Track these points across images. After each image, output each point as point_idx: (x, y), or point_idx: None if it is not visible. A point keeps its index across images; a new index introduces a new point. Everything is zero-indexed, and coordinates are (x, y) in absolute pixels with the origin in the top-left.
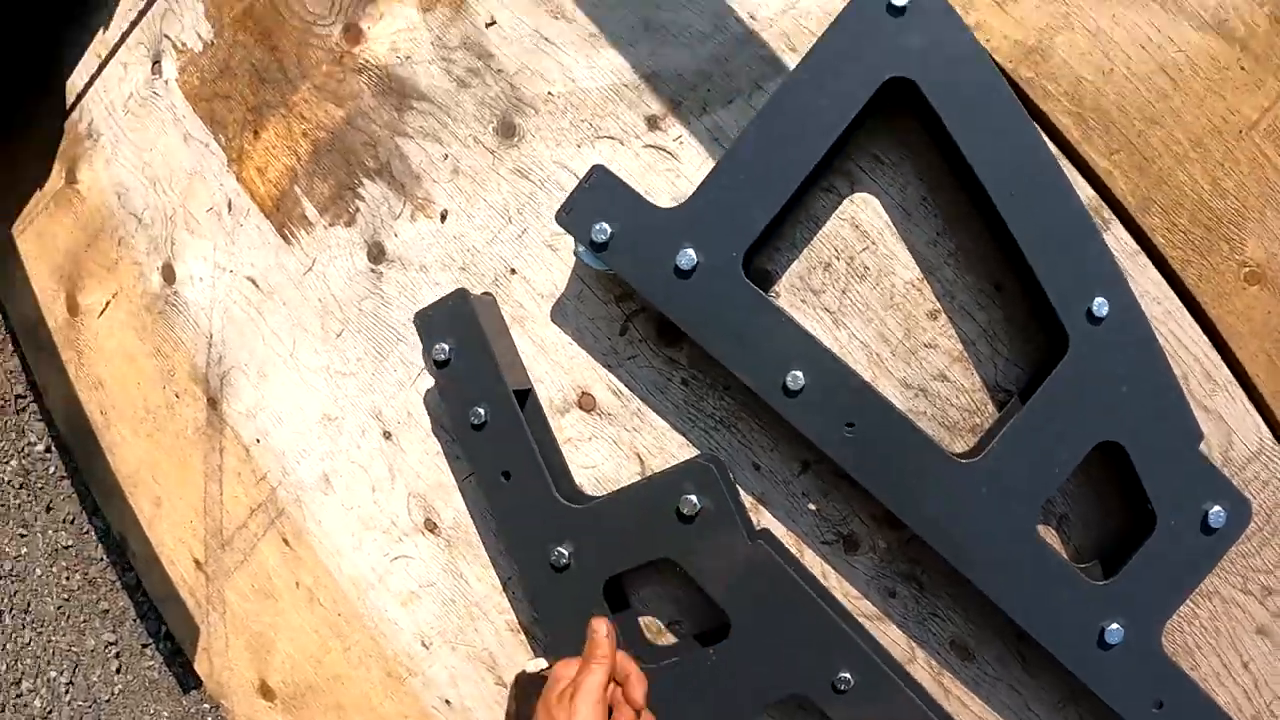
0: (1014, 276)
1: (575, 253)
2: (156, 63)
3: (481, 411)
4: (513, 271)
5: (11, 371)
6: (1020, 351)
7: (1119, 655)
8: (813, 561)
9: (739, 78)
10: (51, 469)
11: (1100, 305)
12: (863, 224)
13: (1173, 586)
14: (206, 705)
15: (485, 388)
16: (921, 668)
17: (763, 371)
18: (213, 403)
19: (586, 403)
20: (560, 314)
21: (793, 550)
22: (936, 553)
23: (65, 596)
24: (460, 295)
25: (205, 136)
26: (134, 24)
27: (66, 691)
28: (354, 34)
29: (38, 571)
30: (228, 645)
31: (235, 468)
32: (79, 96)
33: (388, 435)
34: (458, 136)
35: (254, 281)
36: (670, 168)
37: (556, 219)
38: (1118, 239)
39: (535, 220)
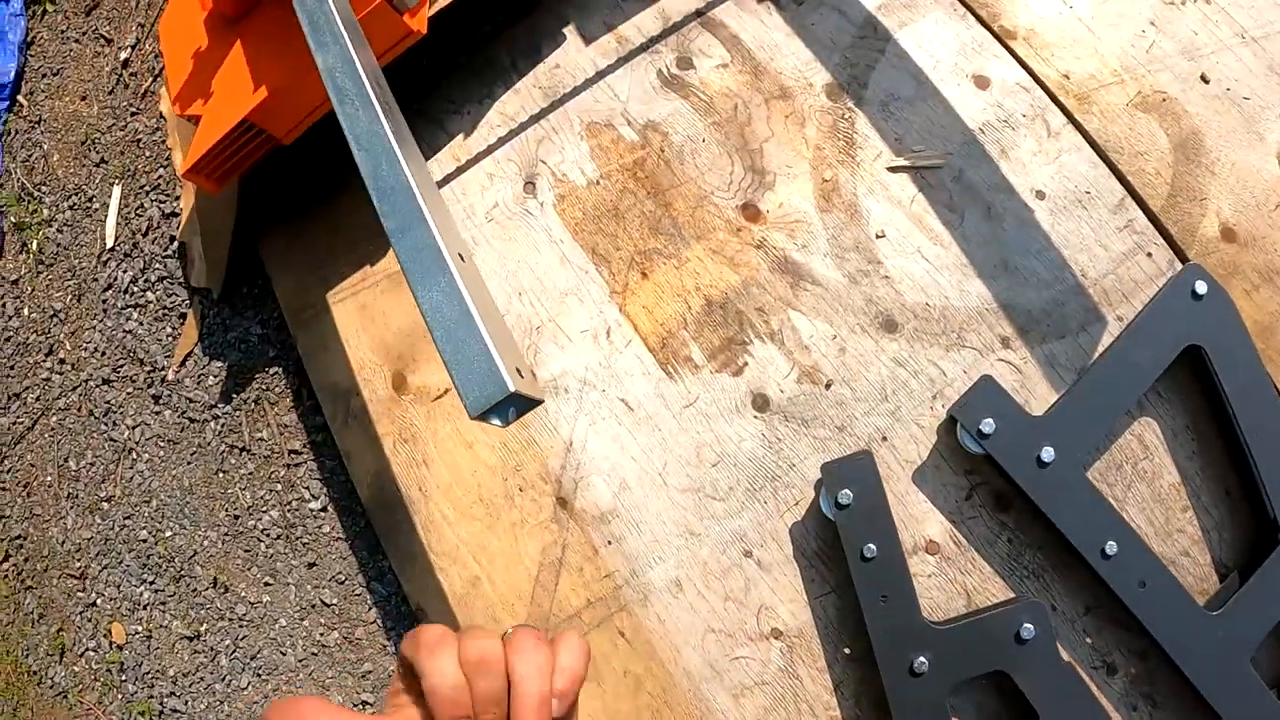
0: (1241, 487)
1: (959, 438)
2: (530, 183)
3: (873, 547)
4: (884, 439)
5: (288, 426)
6: (1237, 539)
7: None
8: (1084, 678)
9: (1070, 320)
10: (325, 528)
11: None
12: (1145, 440)
13: None
14: None
15: (879, 529)
16: None
17: (1090, 540)
18: (562, 501)
19: (931, 548)
20: (919, 477)
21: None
22: (1168, 679)
23: (314, 650)
24: (866, 455)
25: (585, 264)
26: (504, 140)
27: None
28: (752, 212)
29: (281, 622)
30: None
31: (578, 564)
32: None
33: (748, 554)
34: (846, 323)
35: (627, 403)
36: (1016, 379)
37: (951, 410)
38: None
39: (908, 401)
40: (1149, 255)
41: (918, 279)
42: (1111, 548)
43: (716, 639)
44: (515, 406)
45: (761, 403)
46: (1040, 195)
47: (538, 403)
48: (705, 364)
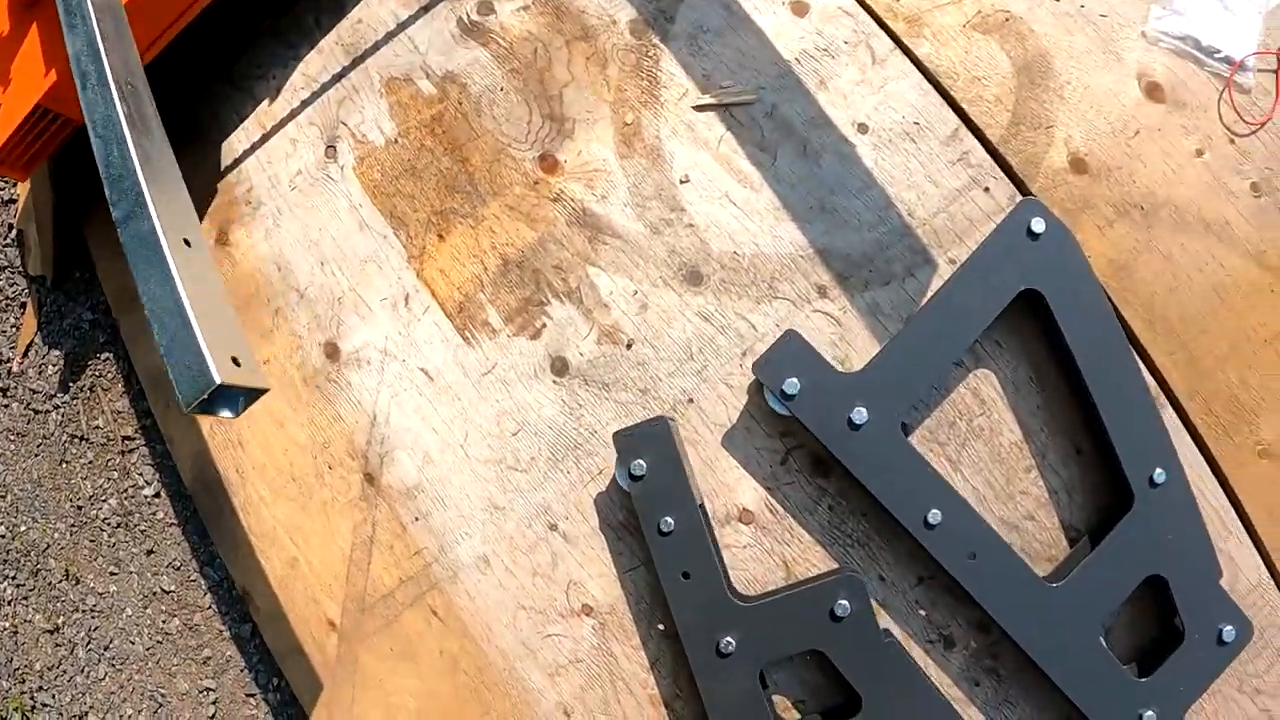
0: (1092, 444)
1: (765, 399)
2: (331, 147)
3: (670, 520)
4: (690, 401)
5: (121, 413)
6: (1089, 501)
7: None
8: (918, 654)
9: (896, 264)
10: (159, 514)
11: (1160, 474)
12: (982, 394)
13: (1194, 684)
14: None
15: (676, 501)
16: None
17: (910, 508)
18: (369, 478)
19: (745, 517)
20: (730, 441)
21: (904, 645)
22: (1014, 652)
23: (159, 639)
24: (662, 422)
25: (384, 229)
26: (305, 104)
27: None
28: (550, 163)
29: (128, 611)
30: (353, 702)
31: (388, 541)
32: (237, 160)
33: (553, 527)
34: (648, 276)
35: (427, 373)
36: (834, 332)
37: (753, 369)
38: (1168, 420)
39: (715, 360)
40: (986, 190)
41: (725, 226)
42: (935, 516)
43: (528, 616)
44: (243, 396)
45: (560, 366)
46: (863, 129)
47: (261, 391)
48: (503, 328)
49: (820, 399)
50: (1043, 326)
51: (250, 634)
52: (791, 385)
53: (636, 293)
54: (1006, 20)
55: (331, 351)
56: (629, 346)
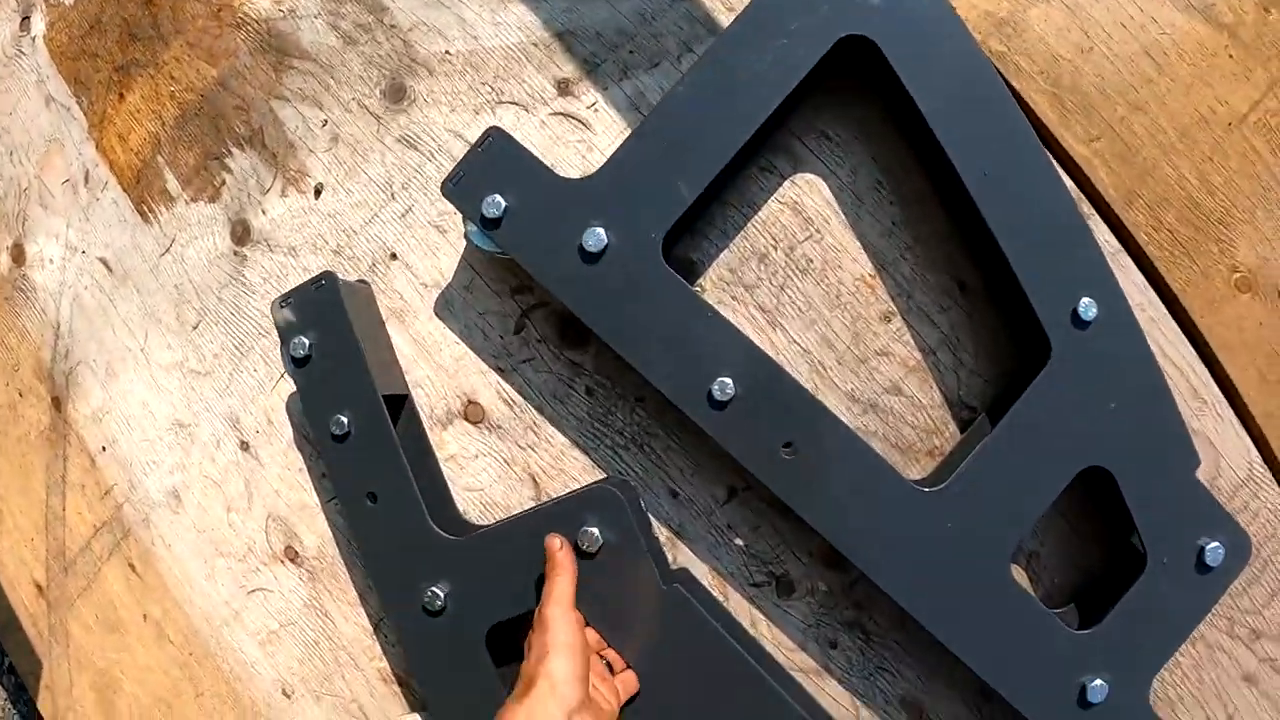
0: (982, 274)
1: (465, 233)
2: (26, 19)
3: (344, 420)
4: (393, 256)
5: None
6: (988, 362)
7: (1102, 716)
8: (739, 606)
9: (667, 38)
10: None
11: (1087, 307)
12: (806, 209)
13: (1164, 634)
14: None
15: (351, 392)
16: None
17: (684, 378)
18: (57, 403)
19: (473, 413)
20: (446, 307)
21: (717, 594)
22: (887, 597)
23: None
24: (328, 280)
25: (68, 100)
26: None
27: None
28: None
29: None
30: (72, 684)
31: (79, 479)
32: None
33: (245, 446)
34: (340, 100)
35: (106, 264)
36: (582, 139)
37: (442, 190)
38: (1098, 236)
39: (422, 197)
40: None
41: (434, 21)
42: (724, 388)
43: (228, 565)
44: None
45: (242, 231)
46: None
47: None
48: (180, 194)
49: (537, 220)
50: (888, 101)
51: None
52: (494, 205)
53: (327, 123)
54: None
55: (18, 254)
56: (318, 194)
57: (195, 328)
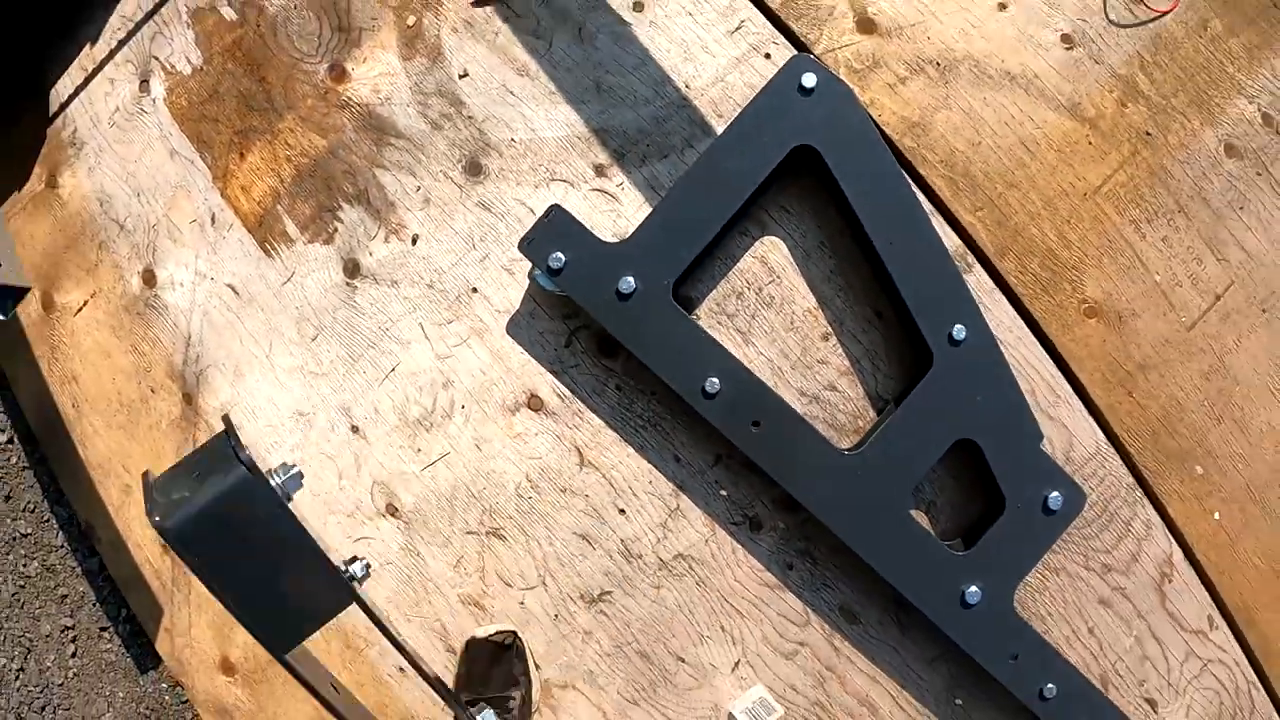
0: (891, 307)
1: (531, 276)
2: (144, 82)
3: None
4: (474, 290)
5: None
6: (896, 368)
7: (978, 614)
8: (723, 539)
9: (674, 136)
10: (13, 459)
11: (959, 330)
12: (770, 262)
13: (1021, 557)
14: (164, 685)
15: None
16: (815, 630)
17: (685, 378)
18: (188, 398)
19: (534, 404)
20: (514, 327)
21: (705, 529)
22: (827, 531)
23: (21, 583)
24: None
25: (191, 154)
26: (122, 43)
27: (16, 678)
28: (339, 73)
29: None
30: (190, 625)
31: None
32: (63, 105)
33: (355, 429)
34: (430, 172)
35: (234, 289)
36: (612, 208)
37: (519, 247)
38: (978, 280)
39: (496, 247)
40: (767, 57)
41: (502, 115)
42: (713, 384)
43: (338, 521)
44: (11, 298)
45: (353, 268)
46: (638, 7)
47: (22, 290)
48: (299, 236)
49: (586, 271)
50: (827, 188)
51: (99, 568)
52: (556, 260)
53: (419, 189)
54: None
55: (149, 278)
56: (414, 242)
57: (314, 340)
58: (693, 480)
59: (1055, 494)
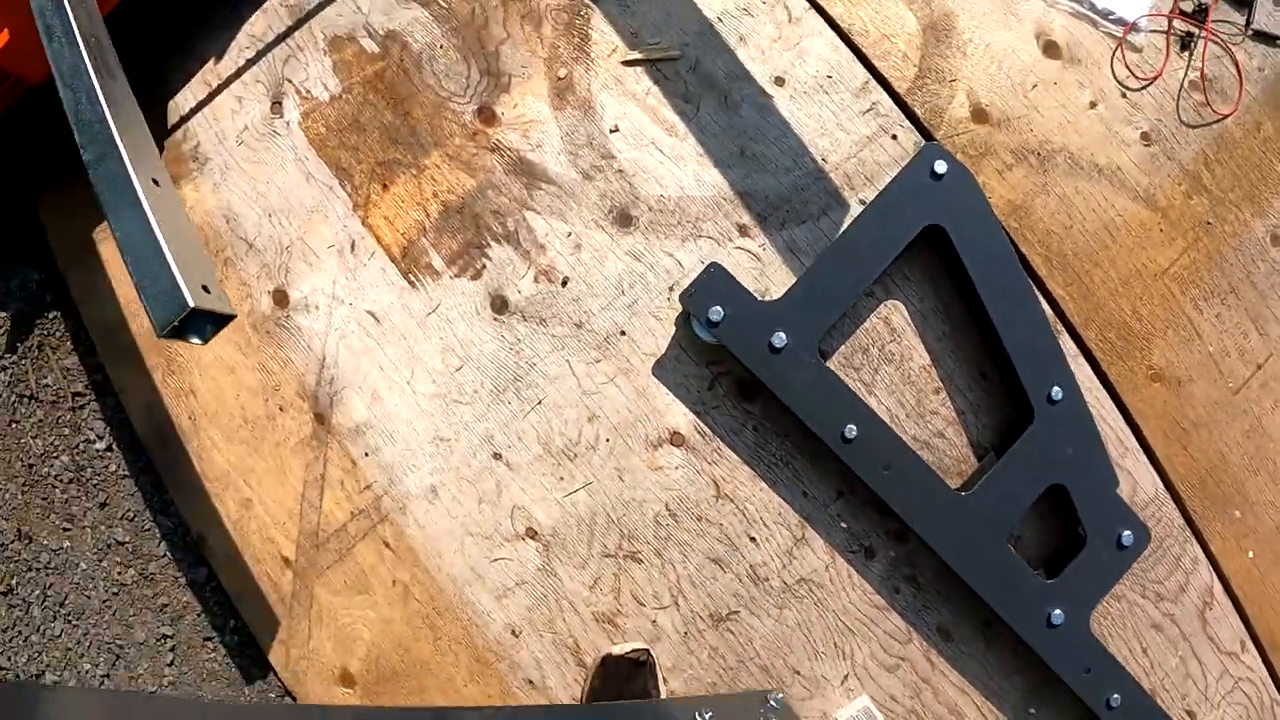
0: (995, 367)
1: (679, 323)
2: (277, 103)
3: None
4: (622, 333)
5: (70, 369)
6: (994, 420)
7: (1061, 633)
8: (841, 565)
9: (811, 205)
10: (111, 467)
11: (1057, 392)
12: (892, 322)
13: (1097, 585)
14: (272, 695)
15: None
16: (915, 646)
17: (828, 425)
18: (320, 418)
19: (677, 440)
20: (660, 369)
21: (826, 556)
22: (931, 560)
23: (115, 591)
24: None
25: (329, 180)
26: (251, 62)
27: (100, 683)
28: (488, 116)
29: (82, 566)
30: (309, 637)
31: (339, 477)
32: (184, 118)
33: (498, 456)
34: (581, 218)
35: (374, 315)
36: (755, 267)
37: (679, 299)
38: (1065, 347)
39: (645, 294)
40: (894, 138)
41: (652, 171)
42: (851, 431)
43: (475, 542)
44: (210, 323)
45: (500, 304)
46: (779, 81)
47: (229, 317)
48: (445, 270)
49: (743, 325)
50: (946, 260)
51: (206, 578)
52: (716, 313)
53: (571, 234)
54: None
55: (280, 298)
56: (564, 284)
57: (458, 370)
58: (817, 513)
59: (1127, 532)
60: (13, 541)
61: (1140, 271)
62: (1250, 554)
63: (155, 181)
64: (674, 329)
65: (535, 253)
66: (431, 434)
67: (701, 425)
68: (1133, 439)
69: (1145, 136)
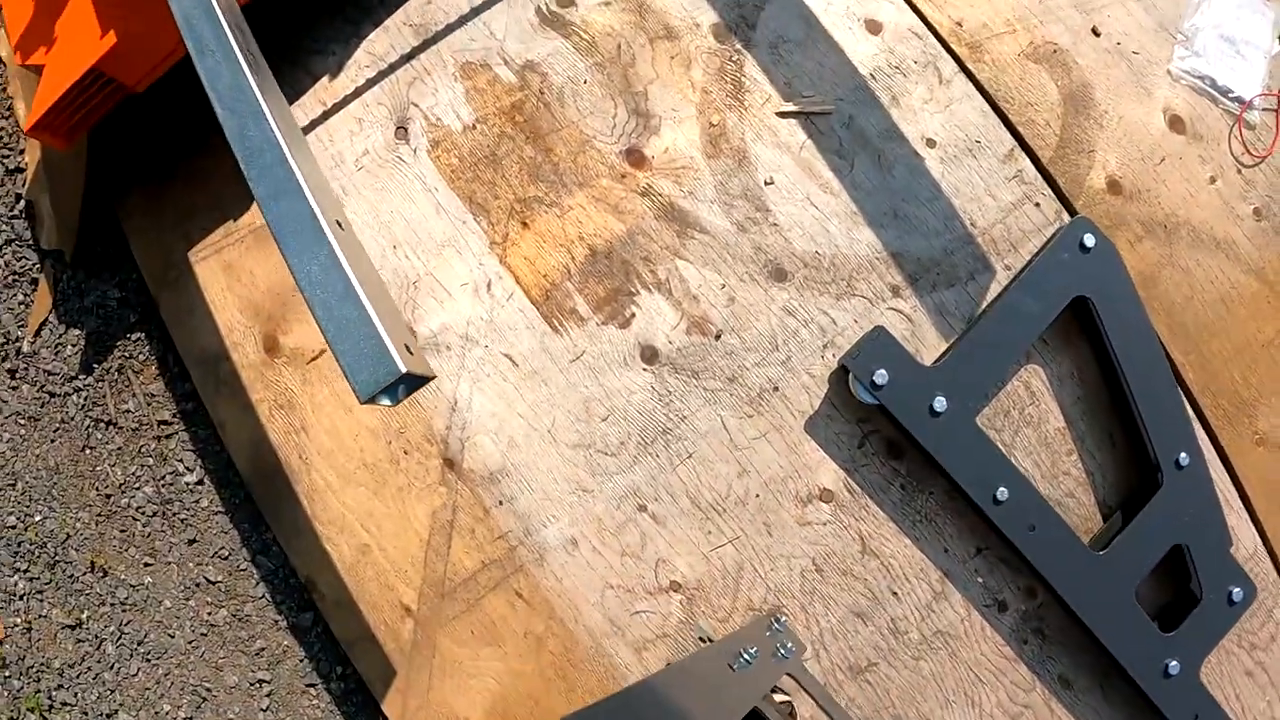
0: (1123, 432)
1: (850, 387)
2: (402, 128)
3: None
4: (775, 389)
5: (155, 396)
6: (1121, 483)
7: (1176, 683)
8: (975, 618)
9: (960, 269)
10: (203, 502)
11: (1184, 458)
12: (1032, 386)
13: (1209, 637)
14: None
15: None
16: (1038, 695)
17: (981, 487)
18: (449, 463)
19: (825, 496)
20: (812, 426)
21: (962, 610)
22: (1057, 614)
23: (203, 631)
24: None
25: (463, 214)
26: (372, 82)
27: None
28: (637, 158)
29: (166, 604)
30: (429, 687)
31: (469, 525)
32: None
33: (643, 508)
34: (735, 271)
35: (511, 359)
36: (908, 327)
37: (843, 360)
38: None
39: (798, 351)
40: (1037, 205)
41: (807, 227)
42: (1003, 493)
43: (615, 595)
44: (405, 385)
45: (650, 354)
46: (931, 143)
47: (428, 379)
48: (591, 316)
49: (905, 389)
50: (1085, 328)
51: (311, 623)
52: (881, 376)
53: (724, 286)
54: (1054, 52)
55: None
56: (718, 337)
57: (604, 420)
58: (956, 568)
59: (1238, 589)
60: (84, 574)
61: (1250, 342)
62: None
63: (339, 224)
64: (826, 386)
65: (688, 303)
66: (574, 485)
67: (850, 482)
68: (1238, 499)
69: (1258, 212)
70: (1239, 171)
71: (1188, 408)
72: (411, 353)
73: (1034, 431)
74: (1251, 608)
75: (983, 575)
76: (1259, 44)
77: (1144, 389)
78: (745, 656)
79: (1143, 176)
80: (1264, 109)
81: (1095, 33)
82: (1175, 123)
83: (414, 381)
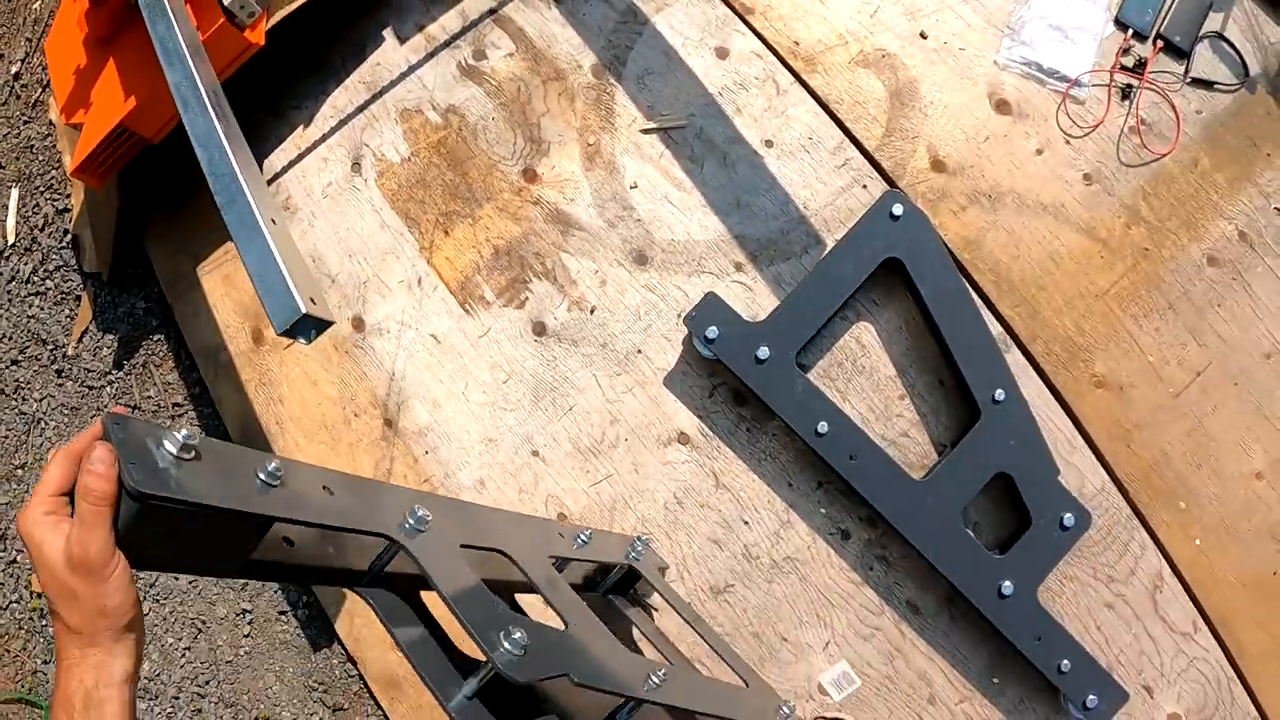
0: (951, 376)
1: (694, 344)
2: (356, 164)
3: (760, 352)
4: (639, 351)
5: (170, 384)
6: (952, 421)
7: (1011, 603)
8: (821, 545)
9: (794, 245)
10: None
11: (1000, 394)
12: (863, 340)
13: (1043, 561)
14: (335, 661)
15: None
16: (887, 618)
17: (804, 422)
18: (389, 422)
19: (683, 439)
20: (670, 380)
21: (808, 538)
22: (900, 541)
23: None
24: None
25: (400, 228)
26: (334, 129)
27: (182, 655)
28: (531, 175)
29: None
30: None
31: (403, 472)
32: (277, 175)
33: (535, 453)
34: (606, 259)
35: (435, 338)
36: (748, 296)
37: (683, 321)
38: (1015, 359)
39: (658, 320)
40: (864, 187)
41: (665, 220)
42: (823, 427)
43: None
44: (314, 328)
45: (540, 329)
46: (769, 144)
47: (329, 323)
48: (495, 300)
49: (733, 342)
50: (906, 288)
51: None
52: (712, 332)
53: (598, 271)
54: (884, 57)
55: (358, 324)
56: (592, 312)
57: (505, 382)
58: (800, 500)
59: (1069, 515)
60: None
61: (1082, 293)
62: (1197, 541)
63: (274, 220)
64: (681, 348)
65: (569, 286)
66: (481, 435)
67: (704, 427)
68: (1080, 438)
69: (1087, 177)
70: (1067, 142)
71: (1000, 350)
72: (315, 303)
73: (867, 380)
74: (1104, 541)
75: (825, 506)
76: (1090, 28)
77: (958, 336)
78: (582, 538)
79: (966, 154)
80: (1093, 85)
81: (923, 35)
82: (1001, 105)
83: (317, 324)
